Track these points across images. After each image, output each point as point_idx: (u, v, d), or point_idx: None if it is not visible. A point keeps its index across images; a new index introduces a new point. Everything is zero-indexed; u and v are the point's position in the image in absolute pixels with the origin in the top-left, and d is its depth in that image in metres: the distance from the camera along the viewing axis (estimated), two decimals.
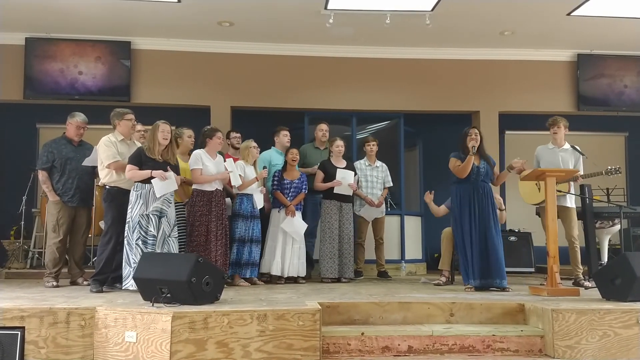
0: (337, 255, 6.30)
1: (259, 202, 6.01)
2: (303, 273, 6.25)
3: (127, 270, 5.01)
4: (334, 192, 6.35)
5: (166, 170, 5.07)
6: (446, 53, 8.17)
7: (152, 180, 5.01)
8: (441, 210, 6.36)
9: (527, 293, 5.10)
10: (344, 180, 6.35)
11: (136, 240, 4.98)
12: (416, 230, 8.10)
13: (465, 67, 8.23)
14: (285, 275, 6.11)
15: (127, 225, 5.06)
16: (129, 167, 5.06)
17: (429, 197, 6.33)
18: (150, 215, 5.04)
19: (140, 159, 5.06)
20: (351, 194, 6.47)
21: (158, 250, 5.02)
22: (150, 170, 5.01)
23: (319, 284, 6.15)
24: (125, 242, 5.07)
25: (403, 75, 8.18)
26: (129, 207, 5.06)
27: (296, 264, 6.16)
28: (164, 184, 5.04)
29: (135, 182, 5.08)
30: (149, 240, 5.01)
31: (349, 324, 4.19)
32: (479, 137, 5.48)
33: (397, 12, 6.79)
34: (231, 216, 5.95)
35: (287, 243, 6.13)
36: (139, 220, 5.00)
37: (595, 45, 8.10)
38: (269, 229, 6.22)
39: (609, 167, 5.81)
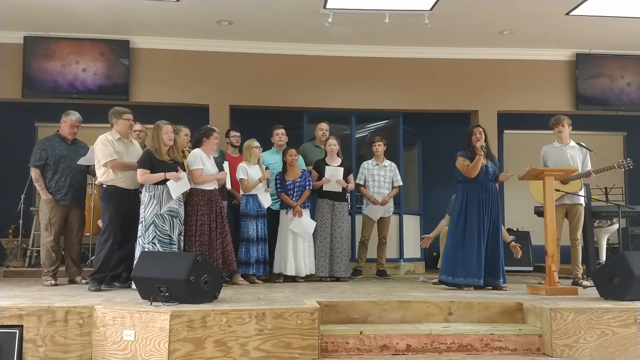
0: (329, 254, 6.31)
1: (265, 201, 6.04)
2: (314, 270, 6.27)
3: None
4: (323, 189, 6.37)
5: (177, 171, 5.14)
6: (445, 52, 8.17)
7: (167, 183, 5.07)
8: (444, 223, 6.43)
9: (526, 292, 5.10)
10: (333, 177, 6.36)
11: (152, 240, 5.00)
12: (415, 229, 8.10)
13: (464, 67, 8.23)
14: (302, 275, 6.15)
15: (140, 225, 5.10)
16: (140, 171, 5.09)
17: (427, 242, 6.41)
18: (165, 215, 5.07)
19: (151, 162, 5.09)
20: (340, 191, 6.46)
21: (175, 249, 5.08)
22: (163, 173, 5.07)
23: (317, 282, 6.15)
24: (138, 242, 5.10)
25: (402, 74, 8.18)
26: (142, 207, 5.10)
27: (308, 263, 6.20)
28: (178, 185, 5.13)
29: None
30: (165, 239, 5.06)
31: (348, 322, 4.19)
32: (483, 136, 5.47)
33: (396, 12, 6.79)
34: (239, 216, 6.00)
35: (298, 243, 6.16)
36: (154, 220, 5.03)
37: (594, 45, 8.10)
38: (280, 230, 6.26)
39: (620, 161, 5.82)
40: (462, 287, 5.27)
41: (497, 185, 5.58)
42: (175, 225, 5.15)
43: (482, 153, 5.34)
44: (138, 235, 5.12)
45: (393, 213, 7.21)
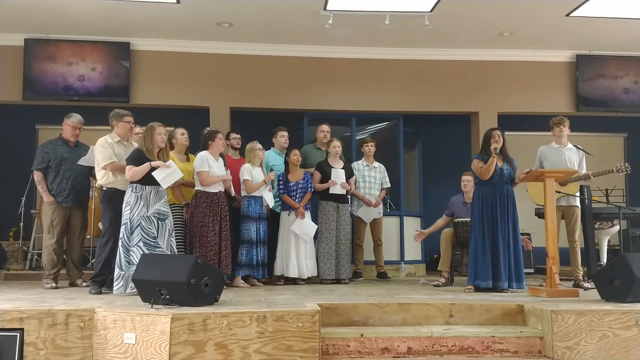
0: (335, 257, 6.31)
1: (270, 201, 6.06)
2: (316, 272, 6.28)
3: (117, 273, 4.95)
4: (329, 192, 6.36)
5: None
6: (445, 54, 8.18)
7: (154, 173, 4.94)
8: (440, 223, 6.48)
9: (527, 294, 5.10)
10: (338, 180, 6.36)
11: (137, 242, 4.95)
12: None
13: (465, 68, 8.23)
14: (304, 277, 6.15)
15: (123, 227, 4.98)
16: (128, 167, 5.00)
17: (420, 236, 6.55)
18: (152, 217, 5.03)
19: (141, 160, 5.01)
20: (345, 194, 6.46)
21: (158, 252, 5.00)
22: (149, 163, 4.95)
23: (318, 285, 6.14)
24: (120, 243, 4.99)
25: (402, 76, 8.18)
26: (127, 208, 4.98)
27: (310, 264, 6.21)
28: (168, 175, 5.00)
29: (133, 183, 5.02)
30: (151, 242, 5.00)
31: (349, 325, 4.19)
32: (501, 139, 5.45)
33: (396, 13, 6.79)
34: (240, 218, 5.99)
35: (300, 244, 6.17)
36: (140, 222, 4.97)
37: (594, 46, 8.10)
38: (280, 232, 6.24)
39: (618, 165, 5.84)
40: (498, 290, 5.28)
41: (513, 188, 5.55)
42: (163, 228, 5.07)
43: (495, 155, 5.34)
44: (120, 237, 4.99)
45: (393, 215, 7.20)
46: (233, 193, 5.92)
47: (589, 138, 8.44)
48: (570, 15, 6.98)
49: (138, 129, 5.93)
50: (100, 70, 7.72)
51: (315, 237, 6.46)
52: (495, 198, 5.40)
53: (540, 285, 5.42)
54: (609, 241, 6.91)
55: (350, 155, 7.73)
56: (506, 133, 5.58)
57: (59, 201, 5.68)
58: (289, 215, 6.23)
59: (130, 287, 4.82)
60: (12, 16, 6.97)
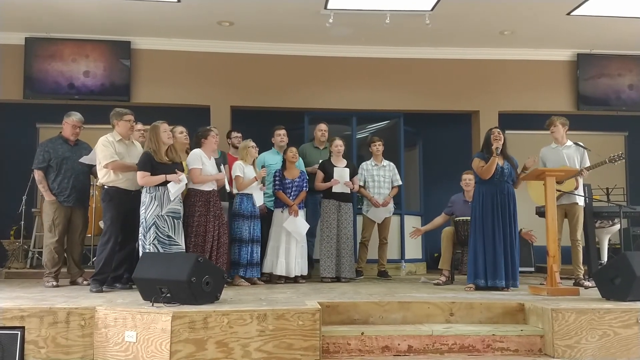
0: (335, 255, 6.31)
1: (258, 200, 6.02)
2: (305, 272, 6.26)
3: None
4: (332, 191, 6.36)
5: (176, 173, 5.14)
6: (446, 53, 8.17)
7: (168, 185, 5.06)
8: (438, 221, 6.53)
9: (527, 293, 5.10)
10: (341, 178, 6.36)
11: (153, 241, 4.99)
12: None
13: (465, 67, 8.22)
14: (292, 275, 6.12)
15: (140, 227, 5.08)
16: (141, 174, 5.06)
17: (417, 233, 6.57)
18: (166, 216, 5.07)
19: (151, 165, 5.08)
20: (349, 192, 6.46)
21: (176, 250, 5.09)
22: (164, 175, 5.07)
23: (318, 283, 6.15)
24: (140, 243, 5.09)
25: (403, 75, 8.17)
26: (142, 208, 5.08)
27: (300, 263, 6.18)
28: (179, 187, 5.13)
29: None
30: (165, 240, 5.04)
31: (349, 323, 4.19)
32: (502, 137, 5.44)
33: (396, 12, 6.79)
34: (232, 216, 5.96)
35: (291, 243, 6.14)
36: (155, 221, 5.02)
37: (595, 45, 8.10)
38: (272, 229, 6.23)
39: (612, 155, 5.82)
40: (498, 289, 5.28)
41: (514, 187, 5.53)
42: (177, 226, 5.14)
43: (496, 154, 5.34)
44: (139, 237, 5.10)
45: (394, 214, 7.20)
46: (228, 189, 5.92)
47: (590, 137, 8.42)
48: (571, 14, 6.98)
49: (139, 126, 5.94)
50: (101, 69, 7.72)
51: (314, 235, 6.45)
52: (495, 197, 5.40)
53: (540, 284, 5.42)
54: (609, 240, 6.91)
55: (351, 154, 7.72)
56: (507, 132, 5.58)
57: (60, 200, 5.68)
58: (282, 212, 6.22)
59: None
60: (13, 15, 6.98)
